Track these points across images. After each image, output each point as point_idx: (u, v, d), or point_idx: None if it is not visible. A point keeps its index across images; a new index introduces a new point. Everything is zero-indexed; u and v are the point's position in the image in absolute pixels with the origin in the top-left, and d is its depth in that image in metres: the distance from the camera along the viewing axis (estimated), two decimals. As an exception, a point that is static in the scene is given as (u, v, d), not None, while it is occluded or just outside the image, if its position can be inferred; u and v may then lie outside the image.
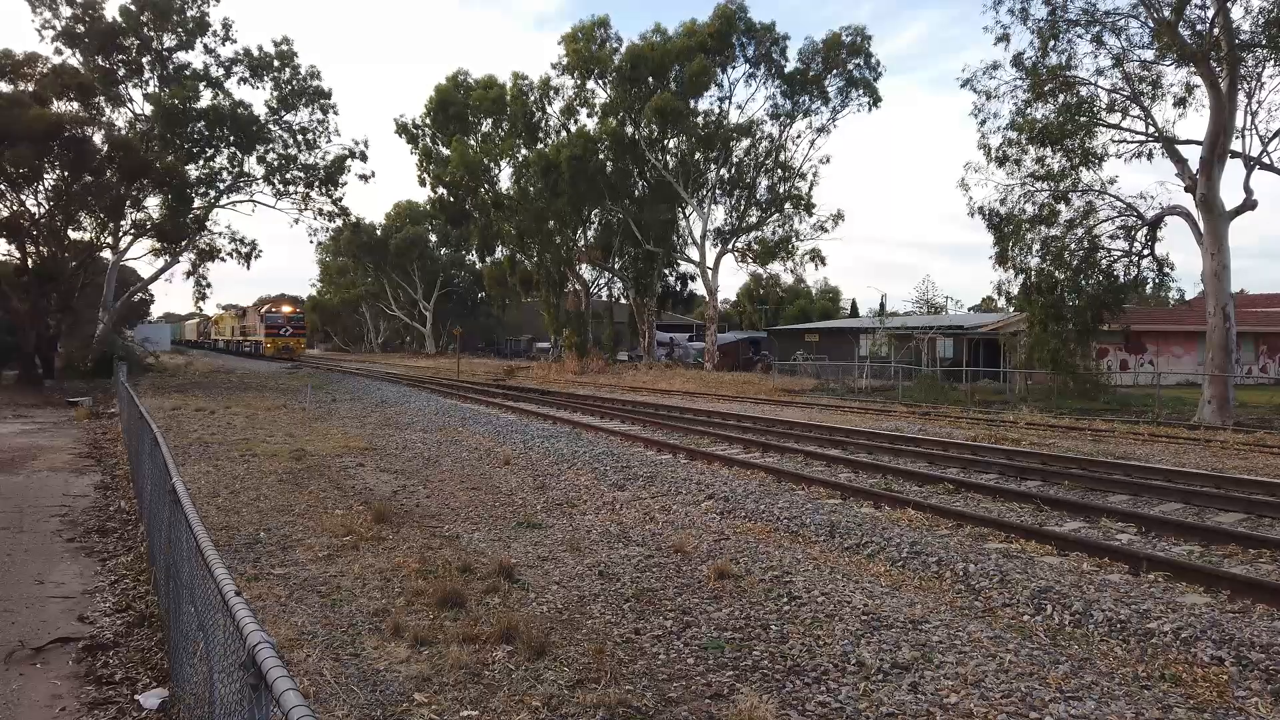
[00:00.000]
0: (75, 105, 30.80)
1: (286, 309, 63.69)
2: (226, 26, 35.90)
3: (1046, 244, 26.72)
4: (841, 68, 43.56)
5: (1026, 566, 7.52)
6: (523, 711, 4.75)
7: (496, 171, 52.00)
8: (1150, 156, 25.06)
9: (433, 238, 78.53)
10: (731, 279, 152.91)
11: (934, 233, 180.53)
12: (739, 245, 48.47)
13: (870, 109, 44.19)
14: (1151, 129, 24.73)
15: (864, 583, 7.25)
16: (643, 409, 22.57)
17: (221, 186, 38.24)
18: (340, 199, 40.51)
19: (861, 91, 43.89)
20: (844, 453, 14.81)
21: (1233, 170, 28.61)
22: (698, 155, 46.64)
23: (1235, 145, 23.05)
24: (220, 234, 39.26)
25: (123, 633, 5.98)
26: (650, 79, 44.52)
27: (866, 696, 5.02)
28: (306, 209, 40.06)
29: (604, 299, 60.24)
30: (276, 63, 37.28)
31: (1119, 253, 26.01)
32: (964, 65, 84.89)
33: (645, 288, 51.78)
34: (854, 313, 79.95)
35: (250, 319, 67.60)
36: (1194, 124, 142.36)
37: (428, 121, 53.08)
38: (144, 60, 34.84)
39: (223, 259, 39.04)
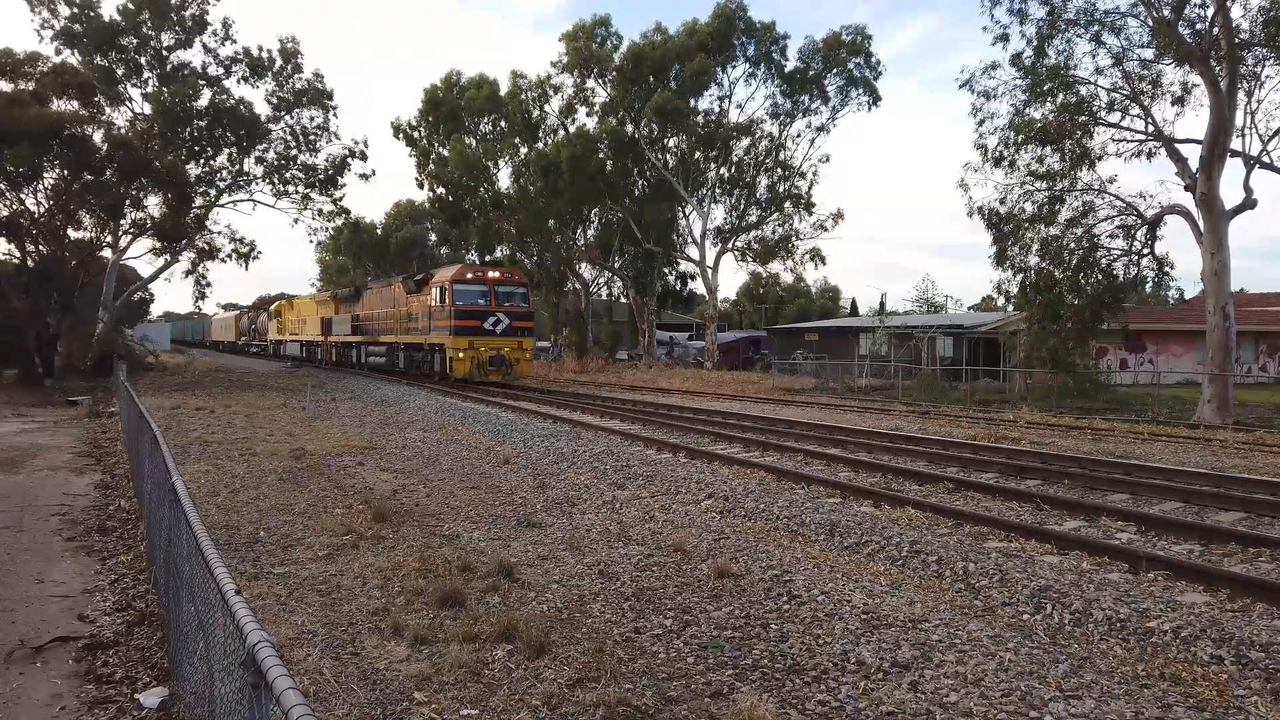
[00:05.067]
0: (75, 104, 30.80)
1: (494, 274, 31.52)
2: (226, 25, 35.87)
3: (1046, 243, 26.70)
4: (841, 67, 43.55)
5: (1026, 565, 7.53)
6: (523, 710, 4.75)
7: (495, 171, 52.05)
8: (1150, 156, 25.05)
9: (433, 237, 78.52)
10: (731, 278, 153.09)
11: (934, 233, 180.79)
12: (739, 244, 48.51)
13: (870, 108, 44.25)
14: (1151, 128, 24.74)
15: (864, 582, 7.25)
16: (643, 408, 22.56)
17: (221, 186, 38.24)
18: (340, 198, 40.51)
19: (861, 90, 43.92)
20: (844, 452, 14.81)
21: (1233, 169, 28.64)
22: (698, 154, 46.65)
23: (1235, 144, 23.04)
24: (220, 233, 39.28)
25: (123, 632, 5.98)
26: (650, 78, 44.52)
27: (866, 695, 5.02)
28: (306, 209, 40.07)
29: (604, 298, 60.18)
30: (280, 62, 37.24)
31: (1118, 252, 26.00)
32: (963, 66, 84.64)
33: (645, 287, 51.80)
34: (854, 312, 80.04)
35: (384, 302, 36.40)
36: (1193, 123, 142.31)
37: (422, 123, 53.10)
38: (143, 59, 34.83)
39: (222, 260, 39.07)
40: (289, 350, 52.68)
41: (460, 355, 28.69)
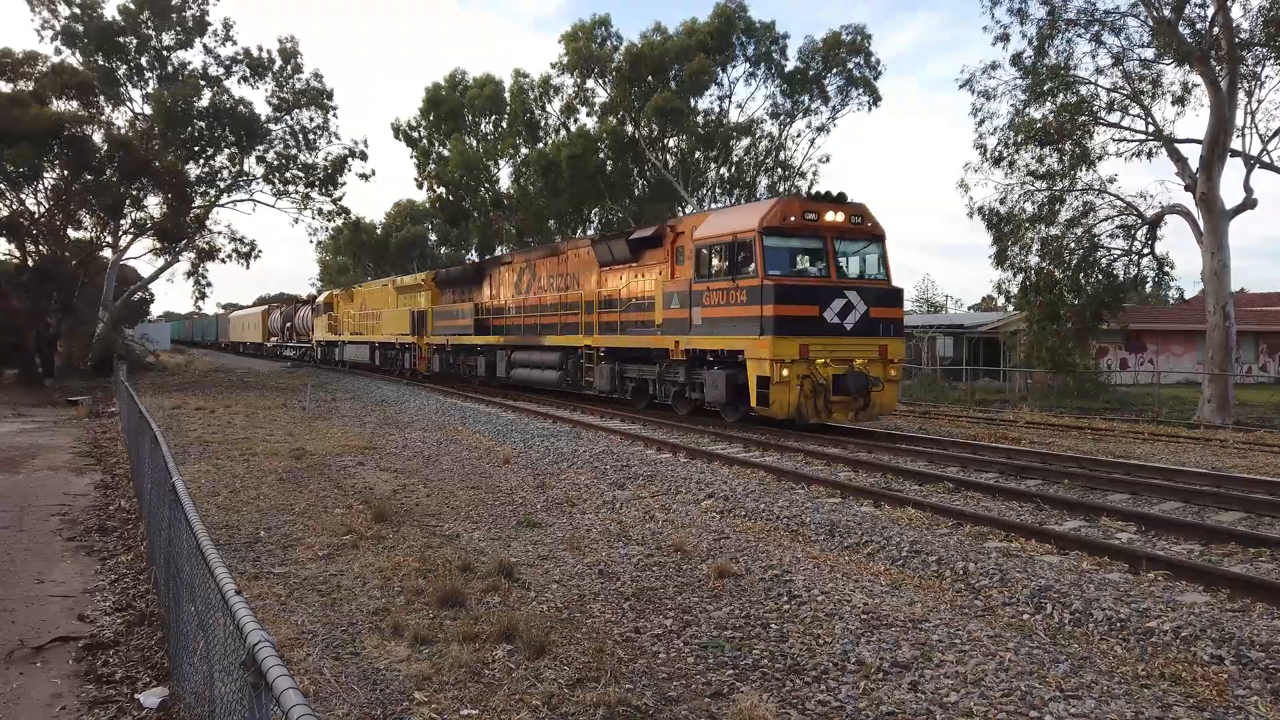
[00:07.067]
0: (75, 104, 30.81)
1: (834, 216, 15.55)
2: (227, 26, 35.84)
3: (1046, 243, 26.74)
4: (841, 67, 43.54)
5: (1026, 565, 7.52)
6: (523, 710, 4.75)
7: (496, 171, 52.06)
8: (1150, 155, 25.09)
9: (433, 236, 78.59)
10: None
11: (934, 233, 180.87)
12: (739, 244, 48.42)
13: (870, 108, 44.18)
14: (1151, 128, 24.77)
15: (864, 581, 7.25)
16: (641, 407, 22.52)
17: (221, 186, 38.23)
18: (340, 198, 40.47)
19: (861, 90, 43.88)
20: (844, 451, 14.79)
21: (1233, 169, 28.66)
22: (698, 154, 46.65)
23: (1235, 144, 23.09)
24: (220, 233, 39.25)
25: (123, 631, 5.98)
26: (650, 78, 44.51)
27: (866, 695, 5.02)
28: (306, 208, 40.05)
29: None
30: (280, 62, 37.21)
31: (1119, 252, 26.03)
32: (963, 66, 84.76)
33: (645, 287, 51.75)
34: (854, 312, 79.84)
35: (542, 281, 23.51)
36: (1193, 123, 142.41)
37: (423, 122, 53.09)
38: (143, 60, 34.83)
39: (223, 260, 39.05)
40: (350, 355, 38.94)
41: (783, 374, 14.94)
